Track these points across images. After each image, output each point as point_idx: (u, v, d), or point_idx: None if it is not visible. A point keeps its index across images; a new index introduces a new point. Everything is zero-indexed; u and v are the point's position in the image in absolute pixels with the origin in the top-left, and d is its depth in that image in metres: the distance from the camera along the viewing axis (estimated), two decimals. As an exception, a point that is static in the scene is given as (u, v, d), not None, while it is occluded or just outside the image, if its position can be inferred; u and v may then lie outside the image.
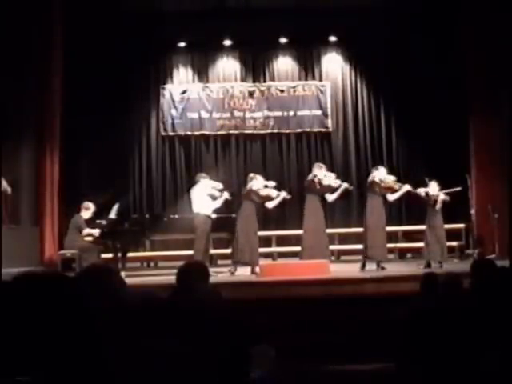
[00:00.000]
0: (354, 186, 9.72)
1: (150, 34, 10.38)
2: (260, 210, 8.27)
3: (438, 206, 7.89)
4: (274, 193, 8.09)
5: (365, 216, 7.92)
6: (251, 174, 8.25)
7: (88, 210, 8.14)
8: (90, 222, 8.14)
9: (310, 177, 8.11)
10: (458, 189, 8.11)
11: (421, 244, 8.30)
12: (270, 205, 8.08)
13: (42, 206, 8.93)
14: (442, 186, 8.09)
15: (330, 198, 8.06)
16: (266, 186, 8.11)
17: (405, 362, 2.78)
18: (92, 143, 10.14)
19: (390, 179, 7.99)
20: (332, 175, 8.20)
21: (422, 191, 7.97)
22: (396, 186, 7.93)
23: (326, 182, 8.01)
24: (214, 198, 8.05)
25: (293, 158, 11.01)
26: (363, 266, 7.76)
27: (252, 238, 7.88)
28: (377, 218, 7.81)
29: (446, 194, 8.01)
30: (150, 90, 11.00)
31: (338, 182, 8.15)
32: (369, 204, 7.91)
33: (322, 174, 8.07)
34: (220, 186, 8.17)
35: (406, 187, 7.98)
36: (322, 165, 8.39)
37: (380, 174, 7.93)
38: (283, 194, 8.11)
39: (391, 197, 7.94)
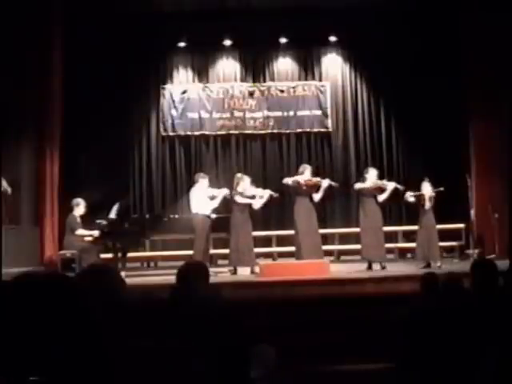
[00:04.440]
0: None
1: (150, 34, 10.37)
2: (261, 211, 8.28)
3: (427, 205, 7.91)
4: (258, 193, 8.07)
5: (359, 218, 8.00)
6: (238, 175, 8.29)
7: (79, 206, 8.14)
8: (87, 219, 8.15)
9: (292, 182, 8.06)
10: (441, 189, 8.07)
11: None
12: (256, 206, 8.08)
13: (42, 206, 8.92)
14: (440, 186, 8.09)
15: (317, 197, 8.09)
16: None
17: (405, 362, 2.78)
18: (92, 143, 10.14)
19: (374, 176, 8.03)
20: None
21: (408, 196, 7.98)
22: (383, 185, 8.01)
23: (313, 182, 8.03)
24: (213, 198, 8.06)
25: (293, 157, 10.99)
26: (369, 267, 7.78)
27: (246, 239, 7.91)
28: (371, 218, 7.86)
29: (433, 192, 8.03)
30: (150, 90, 10.98)
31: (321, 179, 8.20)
32: (361, 206, 8.01)
33: (308, 175, 8.09)
34: (224, 192, 8.12)
35: (392, 185, 8.01)
36: (308, 165, 8.40)
37: (371, 177, 7.98)
38: (268, 193, 8.10)
39: (380, 197, 7.96)
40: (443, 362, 2.54)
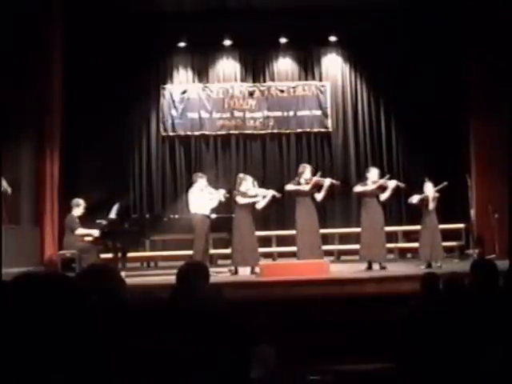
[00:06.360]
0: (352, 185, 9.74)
1: (150, 34, 10.37)
2: (261, 210, 8.27)
3: (431, 205, 7.91)
4: (261, 193, 8.06)
5: (361, 218, 8.00)
6: (240, 175, 8.28)
7: (79, 207, 8.13)
8: (86, 219, 8.15)
9: (294, 189, 8.05)
10: (445, 184, 8.05)
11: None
12: (258, 206, 8.08)
13: (42, 205, 8.92)
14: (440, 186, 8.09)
15: (319, 197, 8.07)
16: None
17: (405, 362, 2.78)
18: (92, 143, 10.14)
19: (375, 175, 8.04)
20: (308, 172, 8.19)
21: (414, 199, 7.98)
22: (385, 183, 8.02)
23: (314, 181, 8.02)
24: (212, 198, 8.06)
25: (293, 158, 10.99)
26: (369, 267, 7.78)
27: (250, 238, 7.89)
28: (372, 218, 7.86)
29: (436, 191, 8.02)
30: (150, 90, 10.99)
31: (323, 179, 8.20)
32: (363, 206, 8.00)
33: (308, 174, 8.08)
34: (222, 192, 8.12)
35: (394, 183, 8.01)
36: (307, 165, 8.39)
37: (372, 176, 7.98)
38: (271, 193, 8.09)
39: (382, 196, 7.96)
40: (443, 361, 2.54)
